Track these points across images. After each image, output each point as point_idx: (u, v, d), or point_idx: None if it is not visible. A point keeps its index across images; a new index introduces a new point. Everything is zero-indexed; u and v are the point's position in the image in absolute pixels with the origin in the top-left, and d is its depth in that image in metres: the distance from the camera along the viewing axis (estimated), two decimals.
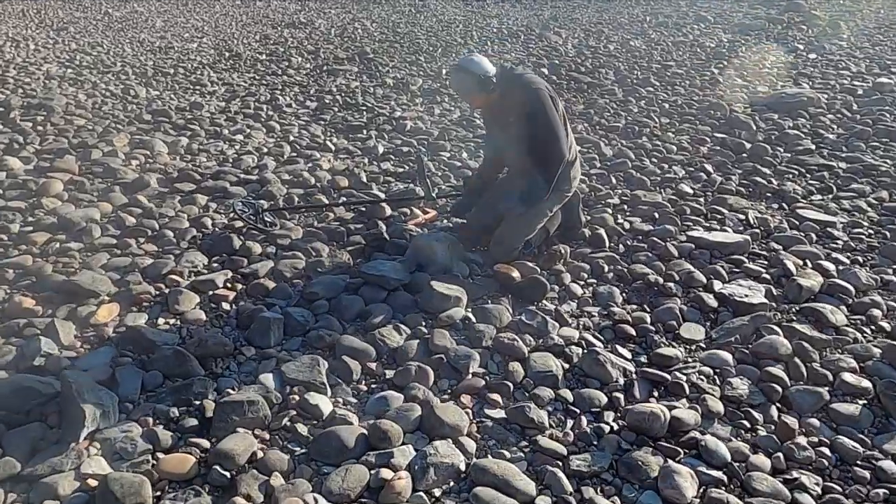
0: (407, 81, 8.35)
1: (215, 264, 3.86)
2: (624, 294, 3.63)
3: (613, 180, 5.23)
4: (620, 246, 4.18)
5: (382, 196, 4.83)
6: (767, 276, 3.74)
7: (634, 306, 3.51)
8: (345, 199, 4.83)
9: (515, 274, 3.69)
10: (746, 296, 3.47)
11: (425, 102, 7.52)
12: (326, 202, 4.73)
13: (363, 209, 4.61)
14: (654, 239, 4.18)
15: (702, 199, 4.87)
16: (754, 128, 6.42)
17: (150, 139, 6.06)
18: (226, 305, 3.42)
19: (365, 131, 6.51)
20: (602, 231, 4.25)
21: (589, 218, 4.43)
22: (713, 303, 3.47)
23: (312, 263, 3.82)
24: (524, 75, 3.76)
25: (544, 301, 3.54)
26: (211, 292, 3.51)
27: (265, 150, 5.91)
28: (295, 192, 4.93)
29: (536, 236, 3.96)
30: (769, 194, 4.96)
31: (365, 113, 7.08)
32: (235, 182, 5.11)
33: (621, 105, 7.30)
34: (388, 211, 4.59)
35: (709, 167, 5.45)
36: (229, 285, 3.61)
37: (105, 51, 10.17)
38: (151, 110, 6.99)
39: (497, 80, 3.70)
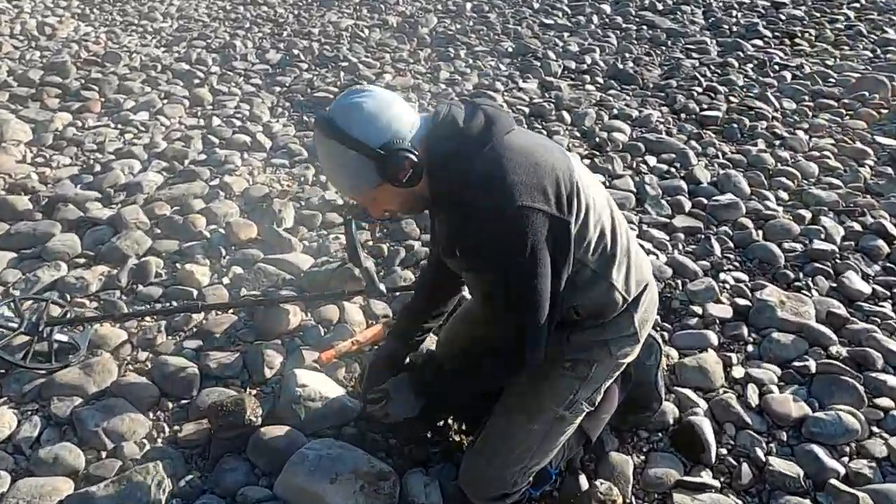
0: (416, 20, 5.87)
1: None
2: None
3: (717, 249, 2.87)
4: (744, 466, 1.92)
5: (285, 294, 2.58)
6: None
7: None
8: (223, 296, 2.62)
9: None
10: None
11: (432, 57, 5.10)
12: (180, 307, 2.53)
13: (250, 312, 2.44)
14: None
15: None
16: None
17: (6, 114, 3.90)
18: None
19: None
20: (704, 421, 2.00)
21: (668, 384, 2.17)
22: None
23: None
24: (482, 172, 1.38)
25: None
26: None
27: (165, 144, 3.70)
28: (157, 254, 2.78)
29: (561, 450, 1.75)
30: None
31: (342, 74, 4.73)
32: (71, 224, 2.96)
33: (719, 72, 4.75)
34: (297, 318, 2.40)
35: None
36: None
37: None
38: (46, 64, 4.78)
39: (428, 157, 1.41)
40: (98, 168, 3.42)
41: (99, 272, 2.67)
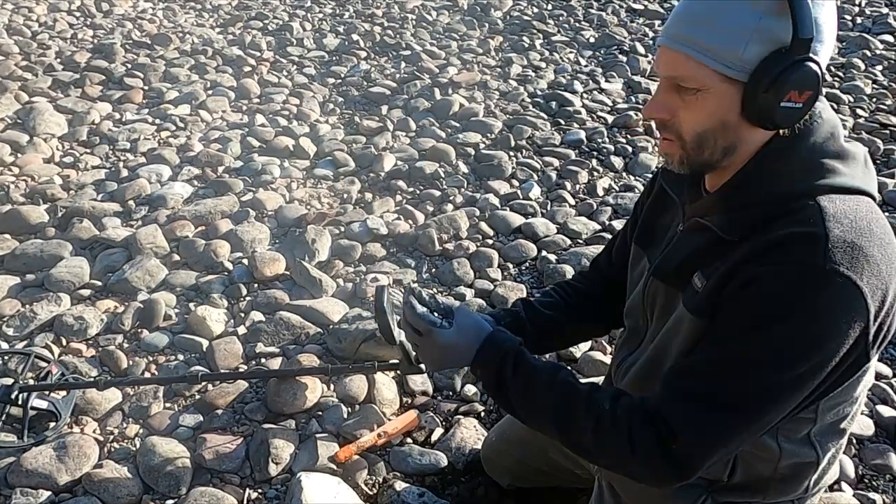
0: (489, 2, 5.27)
1: None
2: None
3: None
4: None
5: (305, 357, 2.11)
6: None
7: None
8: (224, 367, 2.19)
9: None
10: None
11: (504, 47, 4.52)
12: (171, 378, 2.12)
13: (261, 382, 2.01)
14: None
15: None
16: None
17: (43, 104, 3.59)
18: None
19: (386, 107, 3.72)
20: None
21: None
22: None
23: None
24: (849, 215, 0.89)
25: None
26: None
27: (200, 146, 3.30)
28: (172, 288, 2.39)
29: None
30: None
31: (402, 65, 4.23)
32: (84, 244, 2.60)
33: (840, 75, 3.98)
34: (315, 393, 1.96)
35: None
36: None
37: None
38: (96, 46, 4.47)
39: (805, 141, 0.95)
40: (125, 174, 3.06)
41: (104, 308, 2.30)
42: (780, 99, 0.86)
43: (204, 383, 1.96)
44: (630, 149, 3.29)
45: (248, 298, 2.37)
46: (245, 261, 2.51)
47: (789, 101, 0.87)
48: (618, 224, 2.73)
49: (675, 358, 1.03)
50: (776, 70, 0.85)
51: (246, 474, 1.78)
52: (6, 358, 2.05)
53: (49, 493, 1.69)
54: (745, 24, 0.86)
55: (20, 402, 1.82)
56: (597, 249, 2.55)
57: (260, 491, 1.75)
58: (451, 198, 2.92)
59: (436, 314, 1.12)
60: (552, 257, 2.55)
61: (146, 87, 3.95)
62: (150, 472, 1.73)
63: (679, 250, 1.06)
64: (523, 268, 2.56)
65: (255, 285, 2.43)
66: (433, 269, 2.55)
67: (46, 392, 1.89)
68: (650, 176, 3.05)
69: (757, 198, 0.94)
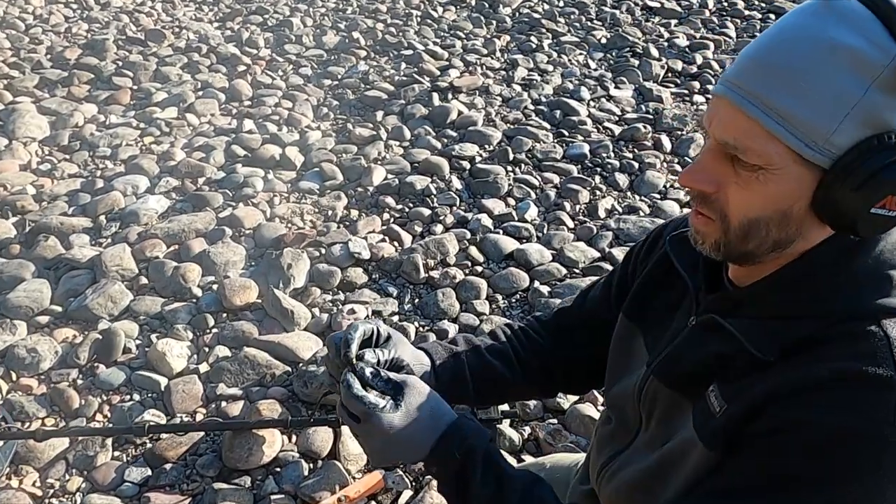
0: None
1: None
2: None
3: None
4: None
5: (265, 407, 1.93)
6: None
7: None
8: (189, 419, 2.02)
9: None
10: None
11: (510, 47, 4.29)
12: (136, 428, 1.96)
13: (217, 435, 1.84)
14: None
15: None
16: None
17: (27, 104, 3.44)
18: None
19: (381, 113, 3.52)
20: None
21: None
22: None
23: None
24: None
25: None
26: None
27: (182, 154, 3.13)
28: (135, 317, 2.23)
29: None
30: None
31: (402, 66, 4.01)
32: (48, 264, 2.44)
33: None
34: (274, 447, 1.79)
35: None
36: None
37: None
38: (88, 42, 4.31)
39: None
40: (100, 185, 2.89)
41: (61, 338, 2.15)
42: (872, 203, 0.65)
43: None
44: (636, 165, 3.06)
45: (214, 331, 2.20)
46: (215, 286, 2.34)
47: (882, 207, 0.65)
48: (618, 253, 2.52)
49: (678, 489, 0.82)
50: (875, 164, 0.63)
51: None
52: None
53: None
54: (844, 93, 0.64)
55: None
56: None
57: None
58: (442, 217, 2.72)
59: (377, 393, 0.89)
60: (545, 289, 2.35)
61: (135, 87, 3.78)
62: None
63: (691, 352, 0.84)
64: (513, 300, 2.36)
65: (224, 315, 2.26)
66: (416, 300, 2.37)
67: None
68: (657, 197, 2.83)
69: (805, 309, 0.72)
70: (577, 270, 2.47)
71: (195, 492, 1.70)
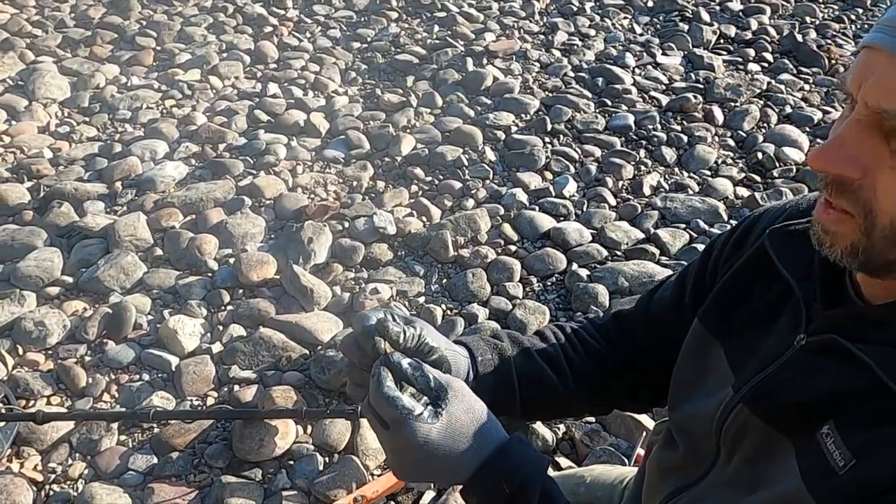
0: None
1: None
2: None
3: None
4: None
5: (278, 394, 1.78)
6: None
7: None
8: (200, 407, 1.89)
9: None
10: None
11: (550, 10, 4.02)
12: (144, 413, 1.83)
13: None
14: None
15: None
16: None
17: (48, 64, 3.31)
18: None
19: (412, 78, 3.31)
20: None
21: None
22: None
23: None
24: None
25: None
26: None
27: (204, 119, 2.97)
28: (148, 290, 2.09)
29: None
30: None
31: (435, 28, 3.79)
32: (60, 232, 2.32)
33: None
34: (288, 438, 1.65)
35: None
36: None
37: None
38: (109, 1, 4.15)
39: None
40: (118, 149, 2.75)
41: (70, 311, 2.03)
42: None
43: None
44: (685, 138, 2.83)
45: (229, 308, 2.07)
46: (231, 260, 2.20)
47: None
48: (665, 235, 2.31)
49: None
50: None
51: None
52: None
53: None
54: None
55: None
56: (637, 267, 2.15)
57: None
58: (474, 191, 2.54)
59: (413, 393, 0.71)
60: (583, 273, 2.16)
61: (158, 48, 3.62)
62: None
63: (799, 380, 0.65)
64: (549, 283, 2.18)
65: (240, 291, 2.12)
66: (444, 280, 2.20)
67: None
68: (707, 174, 2.60)
69: None
70: (618, 252, 2.27)
71: (202, 483, 1.58)
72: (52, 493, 1.57)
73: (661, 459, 0.90)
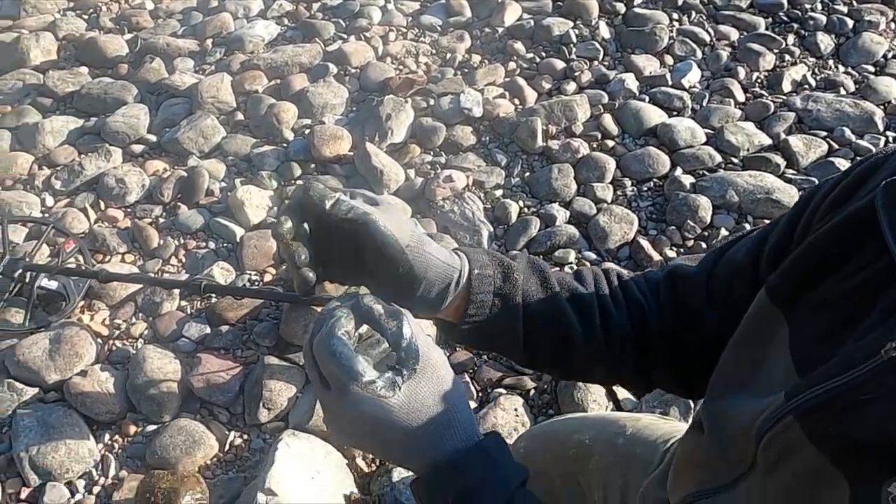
0: None
1: None
2: None
3: None
4: None
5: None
6: None
7: None
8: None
9: None
10: None
11: None
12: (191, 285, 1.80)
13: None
14: None
15: None
16: None
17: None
18: None
19: None
20: None
21: None
22: None
23: None
24: None
25: None
26: None
27: None
28: (224, 156, 2.05)
29: None
30: None
31: None
32: (150, 89, 2.28)
33: None
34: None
35: None
36: None
37: None
38: None
39: None
40: (214, 3, 2.65)
41: (151, 171, 2.04)
42: None
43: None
44: (851, 23, 2.30)
45: (298, 182, 1.98)
46: (307, 132, 2.09)
47: None
48: (797, 144, 1.92)
49: None
50: None
51: (237, 412, 1.51)
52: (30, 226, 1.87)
53: (37, 389, 1.53)
54: None
55: (26, 281, 1.63)
56: (753, 179, 1.82)
57: (245, 438, 1.47)
58: (577, 73, 2.22)
59: (372, 351, 0.57)
60: (687, 180, 1.86)
61: None
62: (135, 392, 1.51)
63: (877, 408, 0.44)
64: (644, 189, 1.91)
65: (312, 165, 2.03)
66: (527, 173, 1.98)
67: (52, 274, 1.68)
68: (870, 71, 2.12)
69: None
70: (734, 160, 1.93)
71: (248, 360, 1.57)
72: (113, 348, 1.63)
73: (689, 447, 0.71)
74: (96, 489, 1.40)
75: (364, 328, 0.58)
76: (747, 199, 1.78)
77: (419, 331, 0.57)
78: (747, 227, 1.72)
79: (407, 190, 1.95)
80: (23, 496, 1.38)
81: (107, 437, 1.47)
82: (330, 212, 0.60)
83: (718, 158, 1.92)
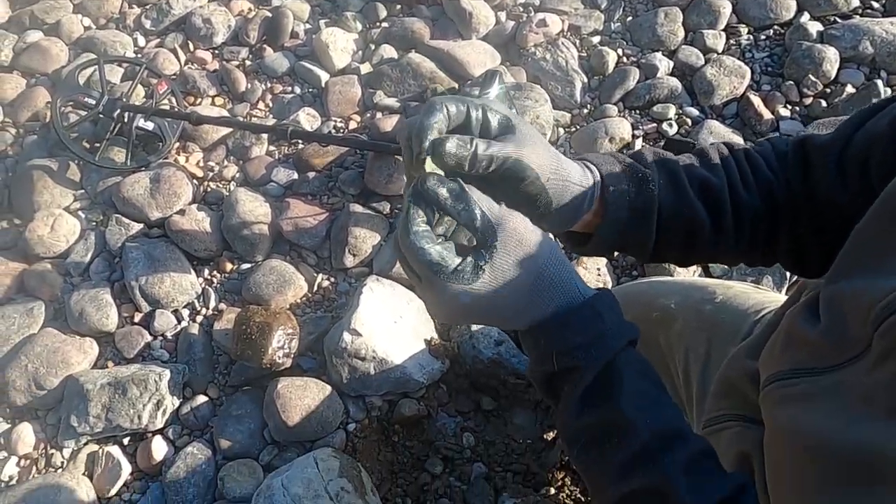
0: None
1: None
2: None
3: None
4: None
5: None
6: None
7: None
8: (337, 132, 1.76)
9: None
10: None
11: None
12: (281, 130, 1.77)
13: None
14: None
15: None
16: None
17: None
18: None
19: None
20: None
21: None
22: None
23: None
24: None
25: None
26: None
27: None
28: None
29: None
30: None
31: None
32: None
33: None
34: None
35: None
36: None
37: None
38: None
39: None
40: None
41: (236, 10, 1.98)
42: None
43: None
44: None
45: (384, 24, 1.89)
46: None
47: None
48: None
49: None
50: None
51: (324, 255, 1.56)
52: (125, 66, 1.88)
53: (142, 225, 1.62)
54: None
55: (125, 121, 1.68)
56: (895, 28, 1.57)
57: (332, 281, 1.53)
58: None
59: (454, 237, 0.55)
60: (814, 28, 1.63)
61: None
62: (229, 231, 1.57)
63: None
64: (762, 37, 1.69)
65: (398, 7, 1.91)
66: (629, 18, 1.79)
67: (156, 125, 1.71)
68: None
69: None
70: (875, 4, 1.67)
71: (334, 207, 1.59)
72: (208, 189, 1.68)
73: (795, 327, 0.66)
74: (199, 318, 1.51)
75: None
76: (884, 52, 1.55)
77: (490, 203, 0.54)
78: (879, 84, 1.50)
79: (496, 35, 1.81)
80: (136, 320, 1.51)
81: (206, 271, 1.56)
82: (470, 172, 0.55)
83: (855, 2, 1.66)
